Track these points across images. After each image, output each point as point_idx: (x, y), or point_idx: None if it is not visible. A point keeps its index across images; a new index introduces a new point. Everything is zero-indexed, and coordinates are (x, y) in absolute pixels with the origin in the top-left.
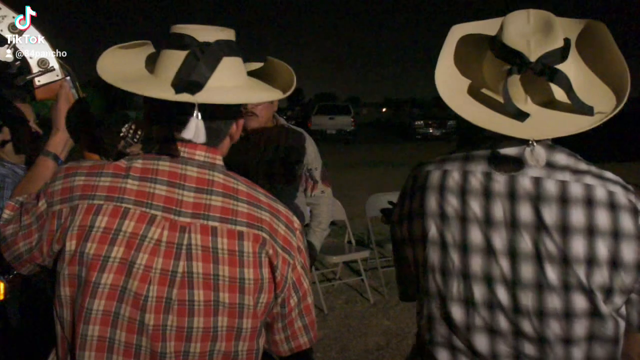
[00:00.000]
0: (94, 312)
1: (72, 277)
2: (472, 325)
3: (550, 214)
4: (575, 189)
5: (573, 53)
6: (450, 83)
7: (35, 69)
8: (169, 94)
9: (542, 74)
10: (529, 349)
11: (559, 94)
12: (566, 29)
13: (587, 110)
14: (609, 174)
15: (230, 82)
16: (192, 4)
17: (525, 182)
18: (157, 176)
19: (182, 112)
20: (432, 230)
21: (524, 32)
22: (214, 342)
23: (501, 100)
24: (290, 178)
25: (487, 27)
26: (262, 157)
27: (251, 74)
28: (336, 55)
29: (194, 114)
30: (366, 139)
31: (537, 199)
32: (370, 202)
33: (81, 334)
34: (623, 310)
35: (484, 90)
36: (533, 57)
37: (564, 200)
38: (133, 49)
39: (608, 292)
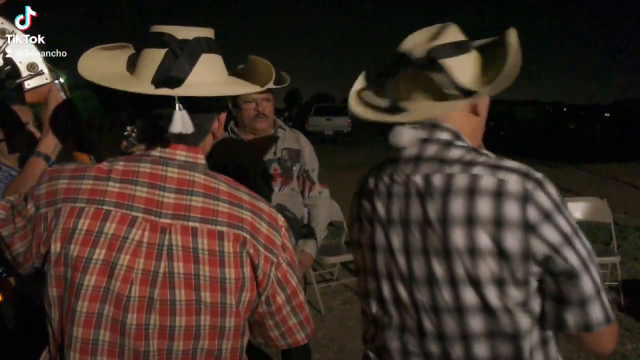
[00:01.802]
0: (78, 313)
1: (59, 278)
2: (385, 324)
3: (433, 208)
4: (460, 180)
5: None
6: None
7: (24, 72)
8: (150, 89)
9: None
10: (432, 347)
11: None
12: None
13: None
14: (509, 163)
15: (210, 79)
16: (190, 5)
17: (417, 180)
18: (138, 178)
19: (165, 106)
20: (353, 234)
21: (416, 38)
22: (196, 341)
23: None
24: (288, 179)
25: None
26: (260, 158)
27: (234, 74)
28: (334, 57)
29: (176, 107)
30: (363, 140)
31: (424, 194)
32: None
33: (68, 335)
34: (533, 306)
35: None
36: (419, 53)
37: (446, 192)
38: (114, 51)
39: (500, 283)
